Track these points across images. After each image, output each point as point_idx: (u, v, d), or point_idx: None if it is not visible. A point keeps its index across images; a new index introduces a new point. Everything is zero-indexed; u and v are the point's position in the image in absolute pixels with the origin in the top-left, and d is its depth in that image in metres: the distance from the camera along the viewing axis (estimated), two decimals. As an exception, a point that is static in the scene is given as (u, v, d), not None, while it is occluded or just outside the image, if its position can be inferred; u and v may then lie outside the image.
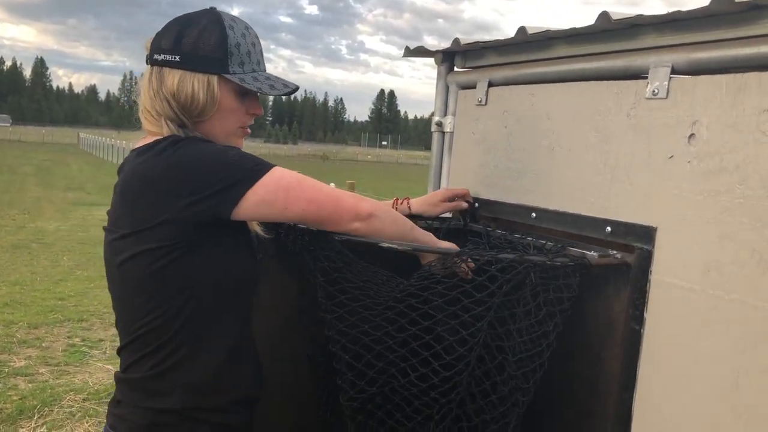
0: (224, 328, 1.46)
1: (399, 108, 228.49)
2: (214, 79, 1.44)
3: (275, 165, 1.41)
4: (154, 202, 1.35)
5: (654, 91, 1.40)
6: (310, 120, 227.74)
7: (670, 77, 1.37)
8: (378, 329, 1.50)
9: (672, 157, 1.36)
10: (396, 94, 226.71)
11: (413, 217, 1.82)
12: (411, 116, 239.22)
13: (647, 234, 1.39)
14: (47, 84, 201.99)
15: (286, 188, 1.39)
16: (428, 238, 1.58)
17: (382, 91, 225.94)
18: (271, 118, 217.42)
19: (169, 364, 1.41)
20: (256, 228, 1.56)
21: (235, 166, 1.37)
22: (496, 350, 1.50)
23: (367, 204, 1.47)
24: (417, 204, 1.91)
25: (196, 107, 1.44)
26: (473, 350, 1.46)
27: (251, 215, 1.40)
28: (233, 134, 1.52)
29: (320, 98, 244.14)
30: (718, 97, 1.27)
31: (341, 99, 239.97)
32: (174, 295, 1.39)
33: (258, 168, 1.38)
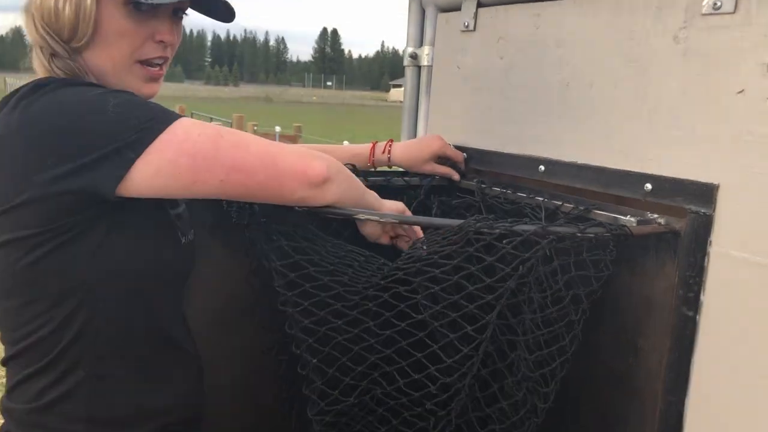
0: (138, 338, 1.10)
1: (343, 47, 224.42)
2: None
3: (181, 116, 1.01)
4: (10, 174, 0.96)
5: (715, 3, 1.05)
6: (251, 61, 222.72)
7: (739, -16, 1.03)
8: (356, 325, 1.16)
9: (742, 91, 1.02)
10: (339, 32, 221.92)
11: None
12: (355, 55, 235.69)
13: (705, 193, 1.07)
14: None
15: (193, 153, 0.98)
16: (378, 204, 1.23)
17: (325, 29, 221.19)
18: (210, 60, 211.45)
19: (62, 392, 1.04)
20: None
21: (115, 123, 0.96)
22: (507, 346, 1.18)
23: (320, 164, 1.06)
24: (400, 154, 1.53)
25: (63, 27, 1.04)
26: (479, 348, 1.13)
27: (147, 192, 1.00)
28: (128, 72, 1.10)
29: (261, 38, 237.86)
30: (817, 9, 0.93)
31: (282, 38, 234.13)
32: (56, 300, 1.01)
33: (150, 124, 0.97)
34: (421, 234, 1.29)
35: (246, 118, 15.09)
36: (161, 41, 1.11)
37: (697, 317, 1.08)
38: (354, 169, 1.44)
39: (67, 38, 1.05)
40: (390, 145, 1.53)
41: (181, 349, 1.20)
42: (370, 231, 1.31)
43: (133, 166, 0.96)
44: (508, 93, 1.46)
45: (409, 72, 1.75)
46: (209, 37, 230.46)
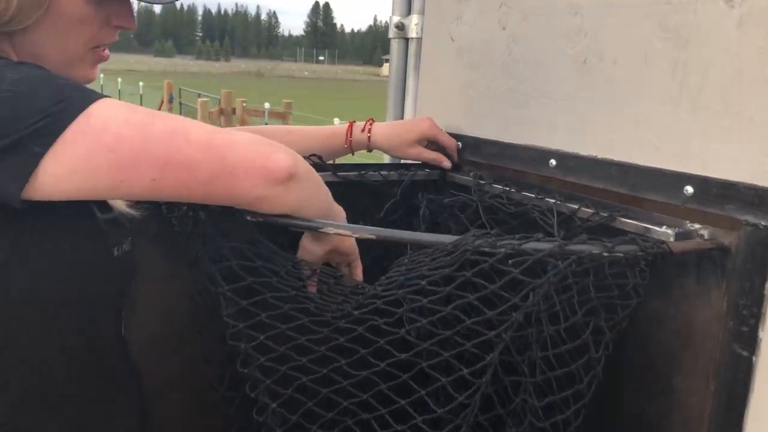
0: (61, 380, 0.88)
1: (335, 21, 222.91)
2: None
3: (102, 96, 0.79)
4: None
5: (784, -45, 0.82)
6: (242, 35, 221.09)
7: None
8: (324, 364, 0.93)
9: (820, 70, 0.79)
10: (331, 6, 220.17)
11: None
12: (348, 29, 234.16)
13: (766, 200, 0.84)
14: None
15: (114, 146, 0.77)
16: (342, 216, 1.01)
17: (317, 3, 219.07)
18: (201, 34, 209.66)
19: None
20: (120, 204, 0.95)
21: (15, 106, 0.74)
22: (510, 388, 0.96)
23: (284, 156, 0.85)
24: (382, 136, 1.31)
25: (4, 11, 0.81)
26: (476, 394, 0.91)
27: (61, 195, 0.78)
28: (80, 59, 0.91)
29: (252, 12, 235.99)
30: None
31: (274, 12, 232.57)
32: None
33: (61, 107, 0.75)
34: (359, 277, 1.06)
35: (235, 94, 14.74)
36: (118, 26, 0.93)
37: (754, 358, 0.86)
38: (320, 161, 1.21)
39: (6, 21, 0.83)
40: (371, 125, 1.30)
41: (124, 389, 0.98)
42: (311, 250, 1.02)
43: (41, 163, 0.75)
44: (512, 70, 1.22)
45: (396, 45, 1.52)
46: (200, 12, 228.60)
